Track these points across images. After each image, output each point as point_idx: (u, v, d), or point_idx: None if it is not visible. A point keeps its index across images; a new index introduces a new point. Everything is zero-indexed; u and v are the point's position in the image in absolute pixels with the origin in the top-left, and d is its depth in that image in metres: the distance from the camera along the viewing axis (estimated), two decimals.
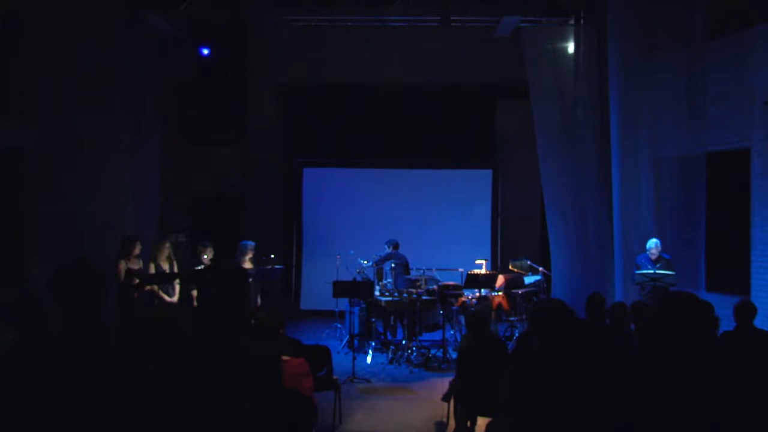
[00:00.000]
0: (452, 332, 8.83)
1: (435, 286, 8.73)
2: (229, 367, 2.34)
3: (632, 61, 8.40)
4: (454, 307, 8.76)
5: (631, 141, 8.45)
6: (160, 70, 9.90)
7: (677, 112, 8.13)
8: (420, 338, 8.50)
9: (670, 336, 2.41)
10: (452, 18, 9.10)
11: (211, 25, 10.28)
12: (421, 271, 8.94)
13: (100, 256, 7.76)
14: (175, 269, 7.93)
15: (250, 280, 7.97)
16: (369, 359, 8.29)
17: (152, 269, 7.66)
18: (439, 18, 9.10)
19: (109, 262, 7.35)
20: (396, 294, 8.61)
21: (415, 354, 8.21)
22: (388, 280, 9.06)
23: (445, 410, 5.74)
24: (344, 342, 8.85)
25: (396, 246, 9.24)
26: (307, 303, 11.59)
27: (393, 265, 9.12)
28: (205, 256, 8.24)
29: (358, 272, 9.07)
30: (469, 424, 5.06)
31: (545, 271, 9.37)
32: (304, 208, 11.89)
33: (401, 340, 8.58)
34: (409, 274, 9.09)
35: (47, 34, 7.87)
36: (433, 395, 6.72)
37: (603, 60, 8.90)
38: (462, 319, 8.83)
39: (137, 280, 7.37)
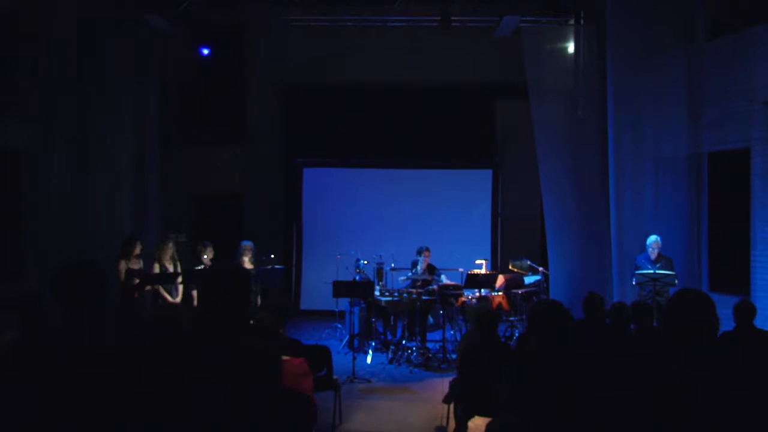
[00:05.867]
0: (452, 332, 8.83)
1: (435, 286, 8.73)
2: (229, 367, 2.34)
3: (632, 61, 8.40)
4: (454, 307, 8.75)
5: (631, 141, 8.44)
6: (160, 70, 9.90)
7: (677, 112, 8.12)
8: (420, 338, 8.50)
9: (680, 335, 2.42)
10: (452, 18, 9.10)
11: (211, 25, 10.27)
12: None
13: (100, 256, 7.77)
14: (179, 269, 7.94)
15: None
16: (369, 359, 8.29)
17: (156, 270, 7.67)
18: (439, 18, 9.10)
19: (110, 262, 7.36)
20: (396, 294, 8.61)
21: (415, 354, 8.21)
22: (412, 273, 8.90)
23: (445, 410, 5.74)
24: (344, 342, 8.84)
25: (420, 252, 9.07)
26: (307, 303, 11.58)
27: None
28: (205, 256, 8.25)
29: (358, 272, 9.07)
30: (469, 424, 5.05)
31: (545, 271, 9.37)
32: (304, 208, 11.89)
33: (401, 340, 8.58)
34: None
35: (47, 34, 7.87)
36: (433, 395, 6.72)
37: (603, 60, 8.90)
38: (461, 319, 8.86)
39: (137, 280, 7.38)
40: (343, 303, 9.17)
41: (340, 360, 7.64)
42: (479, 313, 5.13)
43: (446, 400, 5.62)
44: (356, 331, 8.66)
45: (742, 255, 7.68)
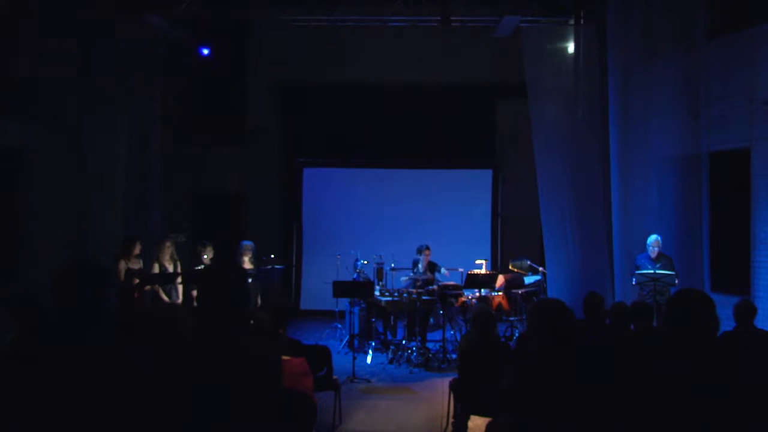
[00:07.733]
0: (452, 332, 8.83)
1: (435, 286, 8.73)
2: (229, 366, 2.33)
3: (632, 61, 8.39)
4: (454, 307, 8.74)
5: (631, 141, 8.44)
6: (160, 70, 9.89)
7: (677, 112, 8.11)
8: (420, 338, 8.50)
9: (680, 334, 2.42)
10: (452, 18, 9.09)
11: (211, 25, 10.27)
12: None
13: (100, 256, 7.78)
14: (179, 269, 7.94)
15: (250, 280, 7.97)
16: (369, 359, 8.29)
17: (156, 270, 7.67)
18: (439, 18, 9.09)
19: (109, 262, 7.36)
20: (396, 294, 8.61)
21: (415, 354, 8.21)
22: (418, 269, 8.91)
23: (445, 410, 5.74)
24: (344, 342, 8.84)
25: (420, 251, 9.08)
26: (307, 303, 11.59)
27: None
28: (205, 256, 8.25)
29: (358, 272, 9.07)
30: (469, 424, 5.05)
31: (545, 271, 9.36)
32: (304, 208, 11.90)
33: (401, 340, 8.58)
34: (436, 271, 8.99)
35: (47, 34, 7.87)
36: (433, 395, 6.73)
37: (603, 60, 8.89)
38: (461, 319, 8.85)
39: (137, 280, 7.38)
40: (343, 303, 9.17)
41: (340, 360, 7.64)
42: (477, 313, 5.13)
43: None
44: (356, 331, 8.66)
45: (743, 255, 7.68)
